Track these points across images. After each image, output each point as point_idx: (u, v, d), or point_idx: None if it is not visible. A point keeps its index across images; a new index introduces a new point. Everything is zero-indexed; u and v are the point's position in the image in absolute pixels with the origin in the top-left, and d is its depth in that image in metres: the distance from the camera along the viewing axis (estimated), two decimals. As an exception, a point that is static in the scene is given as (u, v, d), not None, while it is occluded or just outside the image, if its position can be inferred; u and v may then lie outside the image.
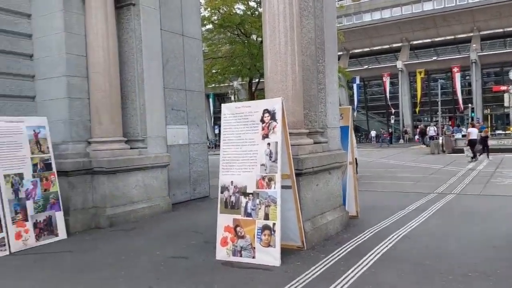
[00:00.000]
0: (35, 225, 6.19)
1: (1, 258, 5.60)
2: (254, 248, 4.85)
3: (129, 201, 7.59)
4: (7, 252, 5.76)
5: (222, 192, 5.20)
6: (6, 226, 5.83)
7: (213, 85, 26.99)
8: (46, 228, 6.34)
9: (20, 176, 6.15)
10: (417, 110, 41.96)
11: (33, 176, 6.31)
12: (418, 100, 40.90)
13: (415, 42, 43.64)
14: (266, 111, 5.01)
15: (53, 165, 6.62)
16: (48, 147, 6.60)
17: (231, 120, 5.26)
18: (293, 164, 5.12)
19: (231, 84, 37.22)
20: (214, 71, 23.81)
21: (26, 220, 6.10)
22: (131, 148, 7.89)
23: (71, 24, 7.43)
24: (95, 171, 7.26)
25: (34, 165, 6.35)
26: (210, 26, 22.27)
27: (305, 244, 5.23)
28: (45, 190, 6.43)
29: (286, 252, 5.00)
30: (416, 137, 37.34)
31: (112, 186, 7.33)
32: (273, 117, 4.94)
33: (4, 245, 5.77)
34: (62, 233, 6.51)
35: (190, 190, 9.68)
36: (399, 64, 41.81)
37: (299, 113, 5.76)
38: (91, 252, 5.75)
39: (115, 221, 7.23)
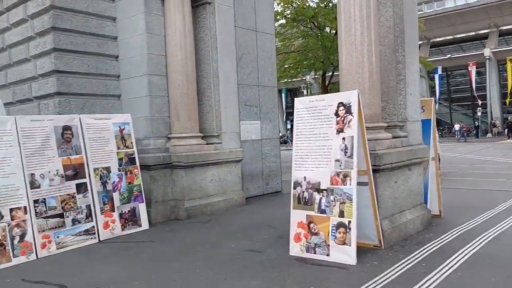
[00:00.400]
0: (120, 215, 6.62)
1: (91, 246, 6.07)
2: (329, 245, 4.75)
3: (205, 195, 7.83)
4: (97, 240, 6.22)
5: (295, 188, 5.15)
6: (95, 216, 6.30)
7: (286, 80, 26.97)
8: (130, 218, 6.75)
9: (108, 169, 6.60)
10: (507, 101, 38.45)
11: (119, 170, 6.74)
12: (509, 91, 37.44)
13: (505, 28, 39.92)
14: (341, 104, 4.86)
15: (137, 160, 7.01)
16: (132, 143, 7.00)
17: (304, 114, 5.18)
18: (370, 159, 4.92)
19: (303, 78, 36.95)
20: (286, 65, 23.78)
21: (113, 210, 6.54)
22: (207, 144, 8.13)
23: (151, 25, 7.81)
24: (174, 165, 7.58)
25: (120, 159, 6.78)
26: (283, 21, 22.25)
27: (382, 243, 5.01)
28: (129, 183, 6.84)
29: (362, 250, 4.84)
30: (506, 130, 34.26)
31: (190, 180, 7.60)
32: (348, 110, 4.78)
33: (94, 233, 6.24)
34: (144, 224, 6.90)
35: (263, 184, 9.76)
36: (487, 52, 38.57)
37: (376, 106, 5.52)
38: (170, 242, 6.02)
39: (193, 213, 7.50)
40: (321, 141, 4.99)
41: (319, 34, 21.63)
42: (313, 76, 37.40)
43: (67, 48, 7.63)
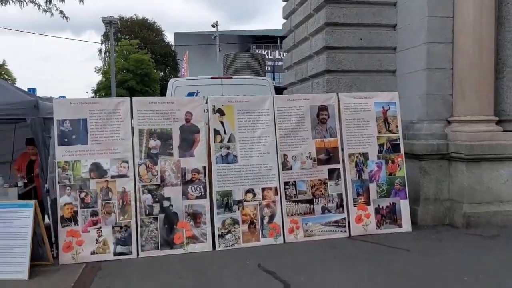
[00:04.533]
0: (377, 210, 5.70)
1: (340, 240, 5.44)
2: None
3: (495, 199, 5.86)
4: (347, 235, 5.56)
5: None
6: (347, 207, 5.63)
7: None
8: (388, 216, 5.73)
9: (365, 156, 5.77)
10: None
11: (378, 157, 5.79)
12: None
13: None
14: None
15: (401, 146, 5.87)
16: (397, 126, 5.89)
17: None
18: None
19: None
20: None
21: (368, 204, 5.69)
22: (503, 131, 6.01)
23: (435, -21, 6.28)
24: (453, 156, 5.97)
25: (380, 145, 5.81)
26: None
27: None
28: (390, 173, 5.79)
29: None
30: None
31: (473, 177, 5.82)
32: None
33: (344, 226, 5.59)
34: (406, 225, 5.73)
35: None
36: None
37: None
38: (429, 257, 4.69)
39: (474, 222, 5.74)
40: None
41: None
42: None
43: (339, 22, 7.11)
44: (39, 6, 9.66)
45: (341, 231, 5.57)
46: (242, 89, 6.57)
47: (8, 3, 8.80)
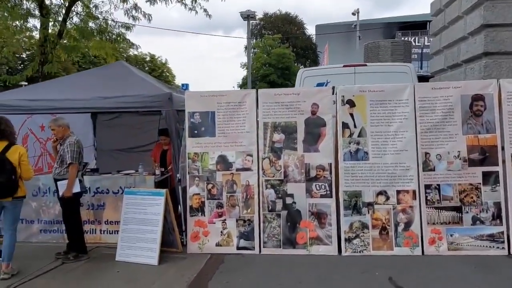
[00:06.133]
0: (550, 226, 4.52)
1: (495, 258, 4.46)
2: None
3: None
4: (505, 252, 4.54)
5: None
6: (507, 219, 4.59)
7: None
8: None
9: (535, 157, 4.62)
10: None
11: (554, 160, 4.58)
12: None
13: None
14: None
15: None
16: None
17: None
18: None
19: None
20: None
21: (538, 217, 4.56)
22: None
23: None
24: None
25: (558, 145, 4.58)
26: None
27: None
28: None
29: None
30: None
31: None
32: None
33: (502, 242, 4.57)
34: None
35: None
36: None
37: None
38: None
39: None
40: None
41: None
42: None
43: (503, -7, 5.89)
44: (185, 5, 10.30)
45: (498, 247, 4.58)
46: (378, 78, 5.87)
47: (155, 2, 9.57)
